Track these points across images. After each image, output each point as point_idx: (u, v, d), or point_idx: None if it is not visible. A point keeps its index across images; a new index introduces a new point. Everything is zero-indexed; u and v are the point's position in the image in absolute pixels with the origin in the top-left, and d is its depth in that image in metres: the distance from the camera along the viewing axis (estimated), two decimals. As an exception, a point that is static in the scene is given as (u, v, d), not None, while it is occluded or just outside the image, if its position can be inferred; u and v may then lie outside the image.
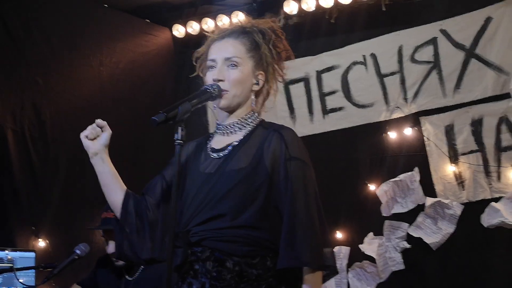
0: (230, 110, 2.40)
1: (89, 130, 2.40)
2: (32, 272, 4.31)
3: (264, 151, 2.30)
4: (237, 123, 2.40)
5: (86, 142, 2.41)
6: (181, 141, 2.17)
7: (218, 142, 2.43)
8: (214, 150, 2.40)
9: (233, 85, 2.36)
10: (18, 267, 4.06)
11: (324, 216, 2.28)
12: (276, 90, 2.51)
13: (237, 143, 2.36)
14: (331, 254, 2.28)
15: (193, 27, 5.98)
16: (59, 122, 5.14)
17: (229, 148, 2.36)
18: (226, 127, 2.42)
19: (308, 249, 2.18)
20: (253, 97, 2.42)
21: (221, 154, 2.36)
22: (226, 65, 2.38)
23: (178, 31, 6.09)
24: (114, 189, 2.43)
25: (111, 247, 3.73)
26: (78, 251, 3.70)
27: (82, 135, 2.41)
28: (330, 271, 2.31)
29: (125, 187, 2.46)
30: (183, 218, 2.32)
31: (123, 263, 3.72)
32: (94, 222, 5.14)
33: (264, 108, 2.51)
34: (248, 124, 2.41)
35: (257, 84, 2.43)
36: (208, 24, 5.87)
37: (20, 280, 4.08)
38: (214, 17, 5.84)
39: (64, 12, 5.30)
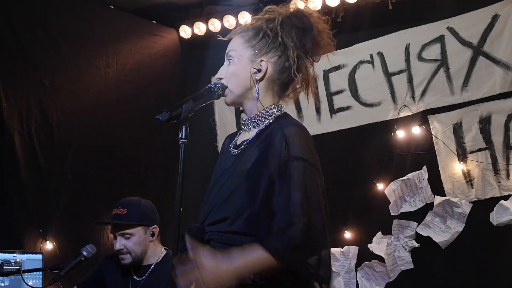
0: (239, 106, 2.40)
1: None
2: (39, 274, 4.34)
3: (269, 152, 2.22)
4: (252, 120, 2.37)
5: None
6: (185, 140, 2.16)
7: (240, 137, 2.42)
8: (235, 146, 2.39)
9: (227, 79, 2.36)
10: (25, 269, 4.07)
11: (325, 218, 2.15)
12: (310, 73, 2.38)
13: (249, 141, 2.33)
14: (311, 259, 2.08)
15: (200, 28, 5.97)
16: (66, 124, 5.14)
17: (242, 146, 2.34)
18: (244, 123, 2.41)
19: (281, 240, 2.05)
20: (257, 85, 2.33)
21: (237, 151, 2.34)
22: (227, 62, 2.40)
23: (185, 32, 6.08)
24: None
25: (118, 244, 3.70)
26: (84, 253, 3.70)
27: None
28: (294, 275, 2.09)
29: None
30: (202, 213, 2.32)
31: (129, 261, 3.70)
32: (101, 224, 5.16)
33: (295, 95, 2.44)
34: (262, 121, 2.35)
35: (259, 71, 2.34)
36: (215, 24, 5.86)
37: (30, 283, 4.10)
38: (220, 18, 5.84)
39: (70, 14, 5.31)
